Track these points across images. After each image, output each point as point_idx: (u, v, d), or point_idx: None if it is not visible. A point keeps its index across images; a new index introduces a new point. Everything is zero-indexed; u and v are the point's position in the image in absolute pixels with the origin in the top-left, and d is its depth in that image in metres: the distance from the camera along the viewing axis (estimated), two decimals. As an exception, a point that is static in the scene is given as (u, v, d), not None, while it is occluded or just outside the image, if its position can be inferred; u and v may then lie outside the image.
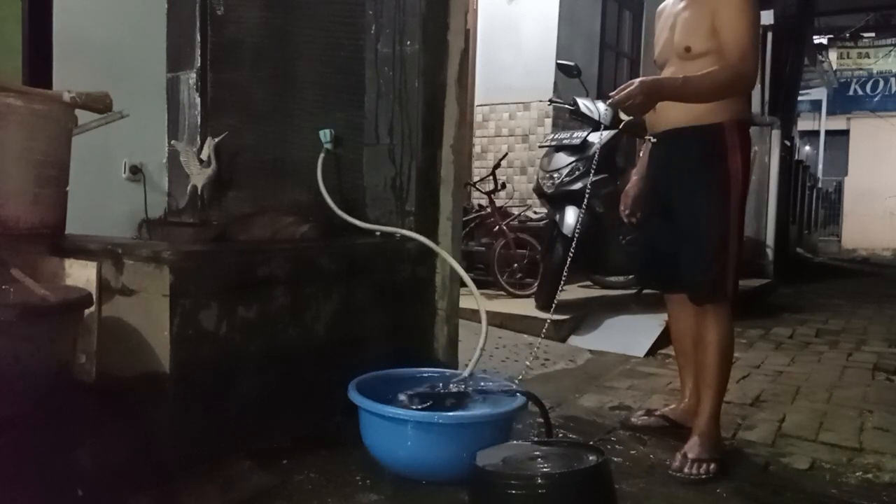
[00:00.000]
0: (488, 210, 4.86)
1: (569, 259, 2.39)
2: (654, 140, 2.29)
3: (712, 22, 2.09)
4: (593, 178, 4.09)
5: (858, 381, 3.41)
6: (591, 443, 2.10)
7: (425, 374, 2.32)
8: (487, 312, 2.44)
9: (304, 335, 2.25)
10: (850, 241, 16.69)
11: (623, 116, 2.26)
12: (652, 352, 3.85)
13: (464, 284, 2.65)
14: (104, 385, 1.96)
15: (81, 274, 2.03)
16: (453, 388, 2.15)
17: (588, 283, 5.10)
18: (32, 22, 2.77)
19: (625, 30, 7.19)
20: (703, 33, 2.11)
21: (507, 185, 5.71)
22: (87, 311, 1.87)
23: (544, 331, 2.55)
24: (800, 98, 11.80)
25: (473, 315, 3.79)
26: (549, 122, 5.92)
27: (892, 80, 17.21)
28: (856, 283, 8.99)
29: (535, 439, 2.21)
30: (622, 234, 4.11)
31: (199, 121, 3.43)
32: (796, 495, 1.99)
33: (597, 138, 4.20)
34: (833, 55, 16.55)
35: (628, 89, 2.02)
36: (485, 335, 2.42)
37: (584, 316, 4.25)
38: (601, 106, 4.43)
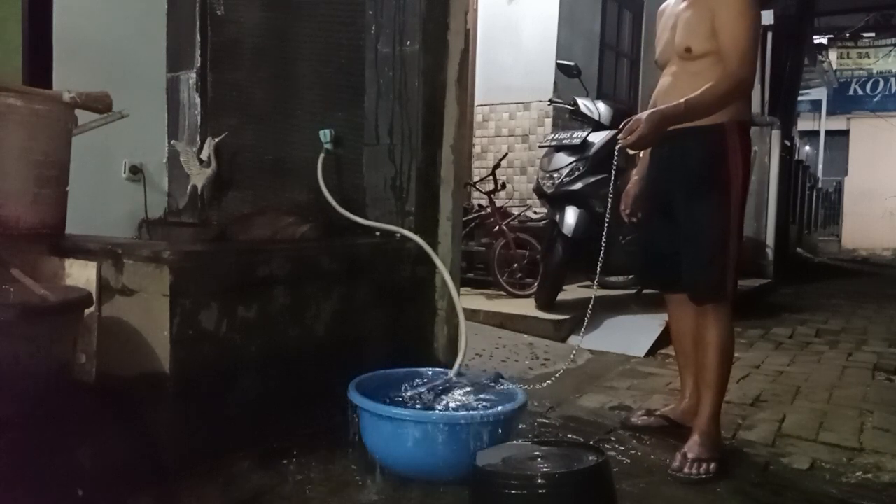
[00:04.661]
0: (488, 210, 4.86)
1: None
2: (654, 140, 2.28)
3: (713, 23, 2.09)
4: (593, 179, 4.11)
5: (858, 381, 3.41)
6: (591, 443, 2.10)
7: (425, 374, 2.32)
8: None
9: (304, 335, 2.25)
10: (850, 241, 16.67)
11: (630, 151, 2.26)
12: (652, 352, 3.84)
13: (464, 284, 2.65)
14: (104, 385, 1.97)
15: (81, 274, 2.04)
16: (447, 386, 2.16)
17: (588, 282, 5.09)
18: (32, 22, 2.77)
19: (625, 30, 7.19)
20: (704, 34, 2.11)
21: (507, 185, 5.71)
22: (87, 311, 1.88)
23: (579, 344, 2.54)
24: (800, 98, 11.79)
25: (473, 315, 3.80)
26: (549, 122, 5.92)
27: (892, 80, 17.19)
28: (856, 283, 8.99)
29: (535, 439, 2.21)
30: (622, 234, 4.11)
31: (199, 121, 3.44)
32: (796, 495, 1.99)
33: (597, 138, 4.20)
34: (833, 55, 16.54)
35: (637, 131, 2.02)
36: (464, 333, 2.43)
37: (585, 316, 4.24)
38: (601, 106, 4.43)
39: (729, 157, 2.13)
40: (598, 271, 2.32)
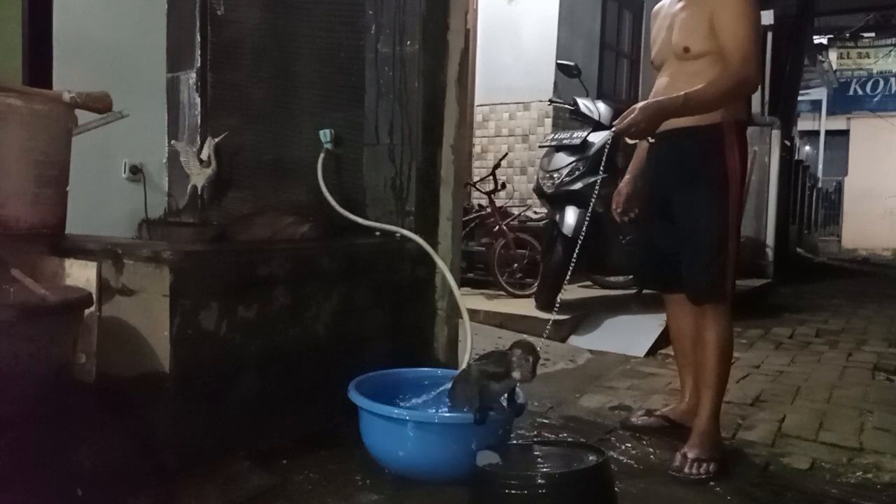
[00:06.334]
0: (488, 210, 4.86)
1: (571, 260, 2.39)
2: (653, 140, 2.28)
3: (711, 22, 2.08)
4: (594, 179, 4.11)
5: (858, 381, 3.41)
6: (591, 443, 2.10)
7: (425, 374, 2.32)
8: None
9: (304, 335, 2.25)
10: (850, 241, 16.68)
11: (628, 141, 2.27)
12: (652, 352, 3.85)
13: (464, 284, 2.65)
14: (104, 385, 1.97)
15: (81, 274, 2.04)
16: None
17: (588, 283, 5.10)
18: (32, 22, 2.77)
19: (625, 30, 7.19)
20: (702, 34, 2.11)
21: (507, 185, 5.71)
22: (87, 311, 1.88)
23: (546, 331, 2.53)
24: (800, 98, 11.79)
25: (473, 315, 3.80)
26: (549, 122, 5.92)
27: (892, 80, 17.19)
28: (856, 283, 8.99)
29: (536, 439, 2.21)
30: (622, 234, 4.11)
31: (199, 121, 3.44)
32: (796, 495, 1.99)
33: (597, 138, 4.20)
34: (833, 55, 16.54)
35: (630, 117, 2.03)
36: (469, 333, 2.43)
37: (584, 316, 4.25)
38: (601, 106, 4.43)
39: (727, 156, 2.13)
40: (572, 265, 2.32)
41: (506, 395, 1.93)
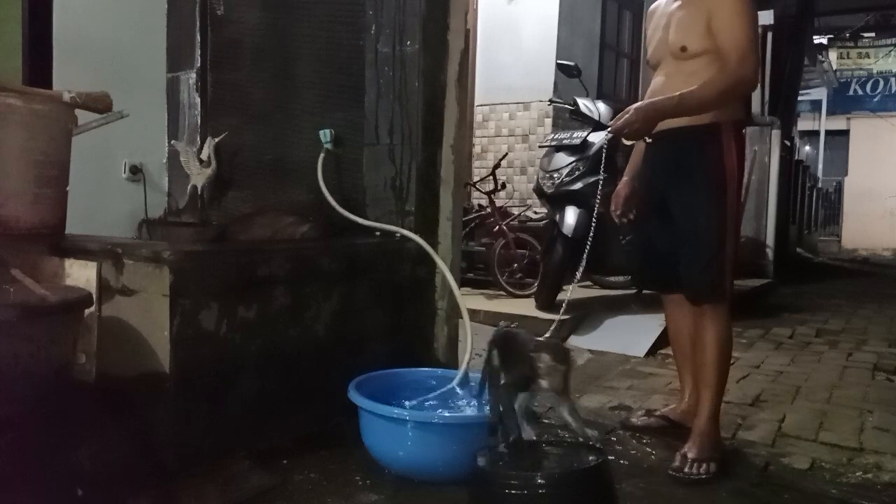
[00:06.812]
0: (488, 210, 4.86)
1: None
2: (650, 140, 2.28)
3: (708, 21, 2.08)
4: (593, 179, 4.10)
5: (858, 381, 3.41)
6: (591, 443, 2.10)
7: (425, 374, 2.32)
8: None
9: (304, 335, 2.25)
10: (850, 241, 16.67)
11: (625, 142, 2.27)
12: (652, 352, 3.84)
13: (464, 284, 2.65)
14: (104, 385, 1.97)
15: (81, 274, 2.04)
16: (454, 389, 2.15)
17: (588, 282, 5.10)
18: (32, 22, 2.78)
19: (625, 30, 7.19)
20: (699, 33, 2.10)
21: (507, 185, 5.71)
22: (87, 311, 1.88)
23: (552, 331, 2.51)
24: (800, 98, 11.78)
25: (473, 315, 3.80)
26: (549, 122, 5.92)
27: (892, 80, 17.18)
28: (856, 283, 8.98)
29: (536, 439, 2.21)
30: (622, 234, 4.11)
31: (199, 121, 3.44)
32: (796, 495, 1.99)
33: (597, 138, 4.20)
34: (833, 55, 16.52)
35: (625, 117, 2.04)
36: (469, 333, 2.43)
37: (584, 316, 4.25)
38: (601, 106, 4.43)
39: (725, 156, 2.12)
40: (582, 265, 2.30)
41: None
